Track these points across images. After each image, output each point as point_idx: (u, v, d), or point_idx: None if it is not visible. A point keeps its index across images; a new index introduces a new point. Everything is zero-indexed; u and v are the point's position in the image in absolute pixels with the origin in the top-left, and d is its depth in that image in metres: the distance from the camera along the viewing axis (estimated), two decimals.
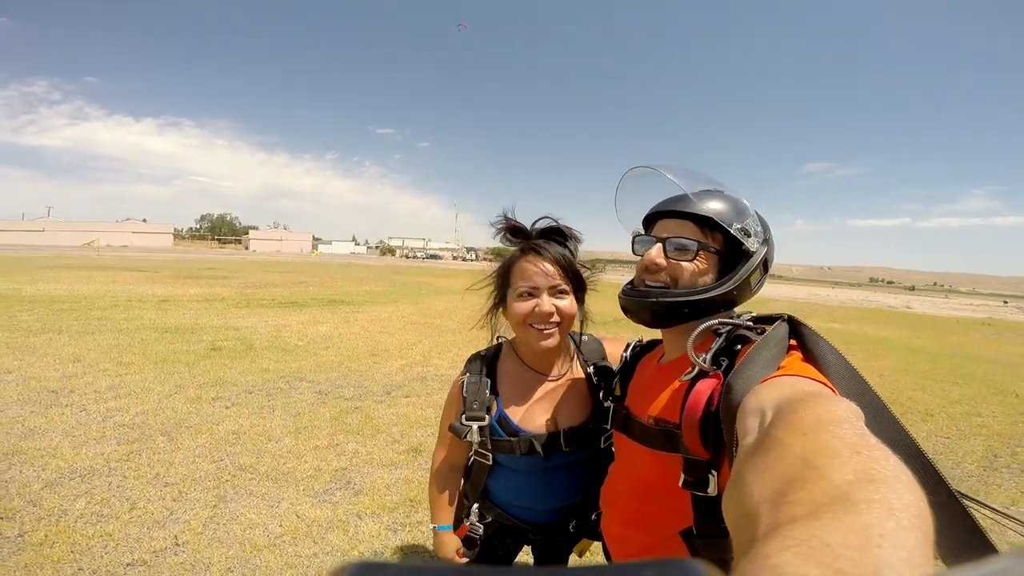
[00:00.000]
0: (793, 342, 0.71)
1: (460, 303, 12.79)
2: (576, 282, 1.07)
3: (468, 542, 1.21)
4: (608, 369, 1.16)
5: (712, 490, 0.73)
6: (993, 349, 10.97)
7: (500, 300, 1.13)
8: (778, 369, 0.64)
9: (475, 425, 1.09)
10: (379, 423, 3.75)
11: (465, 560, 1.21)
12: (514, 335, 1.15)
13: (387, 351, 6.31)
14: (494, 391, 1.13)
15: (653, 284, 0.88)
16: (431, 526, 1.25)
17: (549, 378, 1.15)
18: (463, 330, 8.27)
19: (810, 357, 0.68)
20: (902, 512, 0.27)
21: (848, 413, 0.40)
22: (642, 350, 1.08)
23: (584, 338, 1.21)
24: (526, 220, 1.12)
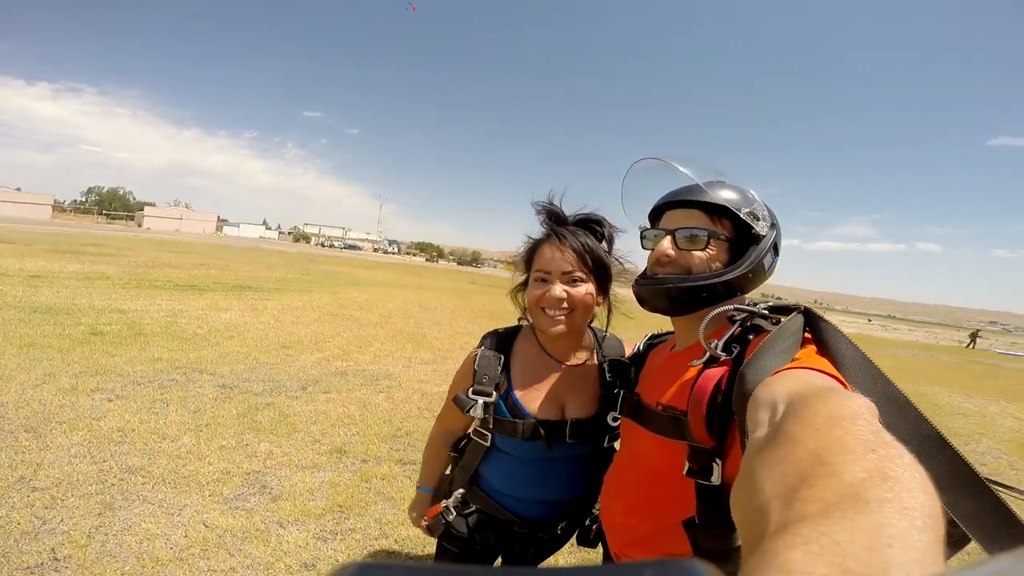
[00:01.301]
0: (808, 335, 0.71)
1: (383, 296, 12.35)
2: (598, 272, 1.06)
3: (433, 525, 1.20)
4: (624, 365, 1.14)
5: (716, 479, 0.73)
6: None
7: (525, 282, 1.13)
8: (792, 361, 0.63)
9: (481, 400, 1.07)
10: (295, 421, 3.46)
11: (429, 530, 1.23)
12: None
13: (301, 343, 5.90)
14: (507, 369, 1.12)
15: (666, 275, 0.88)
16: (416, 485, 1.32)
17: (564, 366, 1.13)
18: (386, 324, 7.99)
19: (825, 351, 0.67)
20: (914, 512, 0.27)
21: (862, 409, 0.40)
22: (655, 340, 1.09)
23: (605, 335, 1.20)
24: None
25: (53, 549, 1.87)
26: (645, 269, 0.95)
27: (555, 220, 1.10)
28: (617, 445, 1.18)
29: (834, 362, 0.65)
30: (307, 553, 2.07)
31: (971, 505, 0.53)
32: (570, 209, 1.12)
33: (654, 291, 0.88)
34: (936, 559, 0.24)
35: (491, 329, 1.21)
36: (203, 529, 2.12)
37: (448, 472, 1.29)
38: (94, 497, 2.24)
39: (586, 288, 1.05)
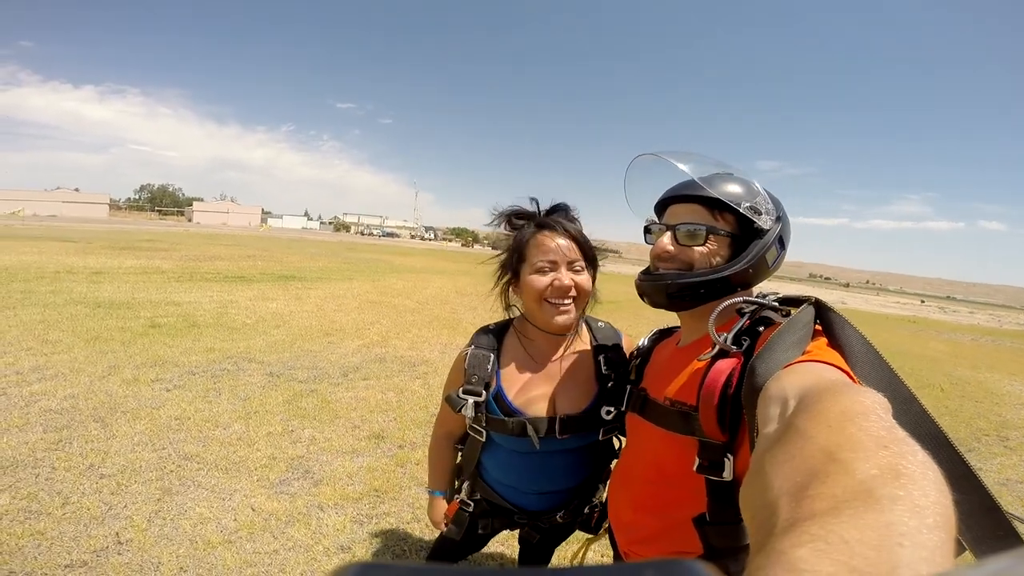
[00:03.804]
0: (819, 327, 0.70)
1: (420, 282, 12.58)
2: (592, 260, 1.06)
3: (458, 518, 1.22)
4: (621, 357, 1.13)
5: (727, 475, 0.73)
6: (919, 345, 11.72)
7: (513, 276, 1.10)
8: (803, 354, 0.63)
9: (471, 400, 1.08)
10: (337, 407, 3.60)
11: (450, 529, 1.24)
12: (523, 312, 1.14)
13: (343, 331, 6.09)
14: (497, 367, 1.11)
15: (668, 271, 0.89)
16: (427, 489, 1.31)
17: (555, 360, 1.12)
18: (423, 310, 8.15)
19: (836, 344, 0.66)
20: (926, 510, 0.26)
21: (875, 405, 0.39)
22: (660, 336, 1.07)
23: (600, 324, 1.19)
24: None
25: (117, 533, 2.03)
26: (648, 265, 0.96)
27: (528, 219, 1.09)
28: (615, 437, 1.19)
29: (843, 355, 0.64)
30: (344, 536, 2.17)
31: (963, 504, 0.52)
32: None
33: (653, 286, 0.89)
34: (947, 559, 0.24)
35: (483, 325, 1.21)
36: (251, 513, 2.25)
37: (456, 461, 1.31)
38: (154, 483, 2.41)
39: (587, 275, 1.05)
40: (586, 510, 1.21)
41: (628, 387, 1.01)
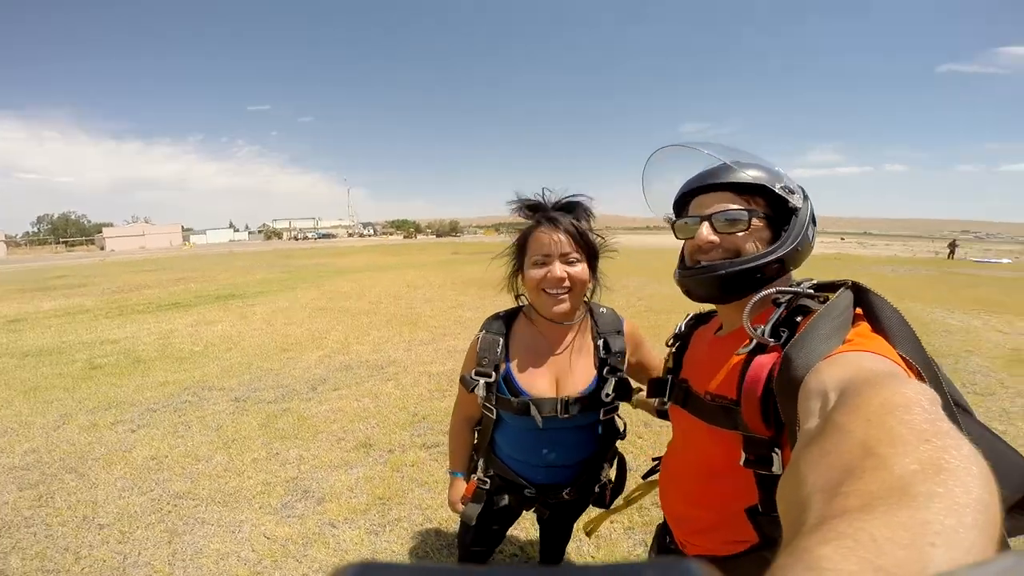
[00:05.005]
0: (859, 311, 0.68)
1: (367, 281, 12.34)
2: (588, 251, 1.14)
3: (476, 496, 1.31)
4: (619, 343, 1.21)
5: (777, 468, 0.70)
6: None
7: (518, 268, 1.20)
8: (844, 343, 0.60)
9: (482, 380, 1.17)
10: (315, 423, 3.58)
11: (469, 509, 1.30)
12: (530, 301, 1.22)
13: (299, 343, 5.96)
14: (505, 350, 1.21)
15: (713, 261, 0.83)
16: (448, 471, 1.39)
17: (559, 345, 1.21)
18: (377, 310, 8.02)
19: (880, 328, 0.64)
20: (967, 508, 0.25)
21: (919, 396, 0.37)
22: (696, 321, 1.05)
23: (602, 310, 1.26)
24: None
25: None
26: (683, 260, 0.91)
27: (537, 209, 1.16)
28: (617, 417, 1.28)
29: (888, 339, 0.63)
30: (365, 548, 2.23)
31: None
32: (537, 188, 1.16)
33: (703, 280, 0.83)
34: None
35: (494, 312, 1.29)
36: (266, 541, 2.25)
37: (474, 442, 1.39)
38: (156, 526, 2.38)
39: (582, 267, 1.12)
40: (596, 488, 1.30)
41: (670, 377, 0.98)
